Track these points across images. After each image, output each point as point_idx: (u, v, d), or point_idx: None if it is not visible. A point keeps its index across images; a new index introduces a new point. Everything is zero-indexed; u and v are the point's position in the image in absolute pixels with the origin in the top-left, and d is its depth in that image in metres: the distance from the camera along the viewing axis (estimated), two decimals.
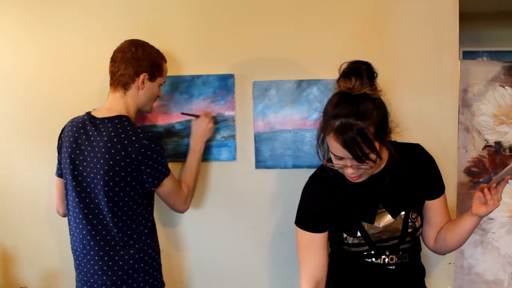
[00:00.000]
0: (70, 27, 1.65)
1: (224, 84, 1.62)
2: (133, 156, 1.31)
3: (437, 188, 1.26)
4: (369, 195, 1.22)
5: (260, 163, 1.64)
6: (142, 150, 1.31)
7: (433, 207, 1.26)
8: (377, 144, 1.09)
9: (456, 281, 1.63)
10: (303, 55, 1.60)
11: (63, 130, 1.46)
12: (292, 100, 1.61)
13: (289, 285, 1.69)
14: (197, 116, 1.58)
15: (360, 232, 1.22)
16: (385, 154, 1.21)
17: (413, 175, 1.23)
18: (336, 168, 1.16)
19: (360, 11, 1.58)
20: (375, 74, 1.13)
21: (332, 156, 1.15)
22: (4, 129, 1.70)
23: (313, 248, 1.26)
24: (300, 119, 1.61)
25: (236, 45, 1.62)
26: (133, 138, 1.31)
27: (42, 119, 1.68)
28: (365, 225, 1.22)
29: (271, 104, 1.61)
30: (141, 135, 1.32)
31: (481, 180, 1.62)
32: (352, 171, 1.12)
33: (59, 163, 1.46)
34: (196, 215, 1.68)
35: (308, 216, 1.27)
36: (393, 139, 1.23)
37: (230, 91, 1.62)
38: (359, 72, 1.11)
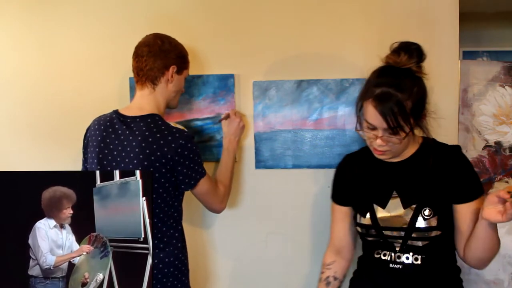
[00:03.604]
0: (72, 27, 1.65)
1: (224, 84, 1.62)
2: (169, 156, 1.27)
3: (466, 192, 1.19)
4: (388, 180, 1.25)
5: (260, 163, 1.64)
6: (179, 150, 1.28)
7: (461, 213, 1.19)
8: (411, 120, 1.13)
9: None
10: (303, 55, 1.60)
11: (88, 129, 1.41)
12: (292, 100, 1.61)
13: (288, 285, 1.69)
14: (227, 117, 1.57)
15: (369, 213, 1.24)
16: (415, 145, 1.23)
17: (441, 174, 1.20)
18: (365, 138, 1.21)
19: (361, 11, 1.58)
20: (423, 56, 1.17)
21: (365, 125, 1.18)
22: (6, 130, 1.70)
23: (335, 218, 1.37)
24: (300, 119, 1.61)
25: (236, 45, 1.62)
26: (169, 138, 1.28)
27: (44, 120, 1.68)
28: (377, 208, 1.24)
29: (271, 104, 1.61)
30: (177, 135, 1.29)
31: (481, 180, 1.61)
32: (380, 143, 1.16)
33: (84, 164, 1.43)
34: (195, 215, 1.68)
35: (333, 187, 1.38)
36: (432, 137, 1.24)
37: (230, 91, 1.62)
38: (409, 49, 1.16)
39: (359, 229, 1.28)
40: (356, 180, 1.31)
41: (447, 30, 1.56)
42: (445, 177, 1.20)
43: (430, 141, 1.24)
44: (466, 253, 1.19)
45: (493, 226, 1.09)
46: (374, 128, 1.16)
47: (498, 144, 1.62)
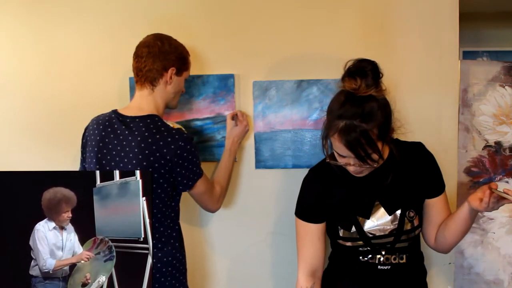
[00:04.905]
0: (72, 27, 1.65)
1: (224, 84, 1.62)
2: (168, 157, 1.28)
3: (437, 187, 1.26)
4: (367, 191, 1.24)
5: (260, 163, 1.64)
6: (178, 151, 1.29)
7: (434, 206, 1.26)
8: (379, 144, 1.11)
9: (456, 281, 1.63)
10: (303, 55, 1.60)
11: (86, 128, 1.42)
12: (292, 100, 1.61)
13: (289, 286, 1.68)
14: (235, 116, 1.58)
15: (355, 227, 1.23)
16: (386, 151, 1.22)
17: (412, 173, 1.23)
18: (339, 165, 1.19)
19: (361, 11, 1.58)
20: (381, 75, 1.13)
21: (335, 153, 1.17)
22: (6, 130, 1.70)
23: (309, 238, 1.30)
24: (300, 119, 1.61)
25: (236, 45, 1.62)
26: (169, 139, 1.29)
27: (44, 120, 1.68)
28: (361, 220, 1.23)
29: (271, 104, 1.61)
30: (177, 136, 1.30)
31: (481, 180, 1.62)
32: (354, 169, 1.16)
33: (83, 163, 1.43)
34: (194, 215, 1.68)
35: (304, 207, 1.31)
36: (395, 137, 1.24)
37: (230, 91, 1.62)
38: (365, 72, 1.11)
39: (342, 242, 1.26)
40: (331, 194, 1.26)
41: (447, 30, 1.56)
42: (417, 175, 1.23)
43: (394, 142, 1.24)
44: (438, 240, 1.26)
45: (474, 211, 1.14)
46: (344, 157, 1.14)
47: (498, 144, 1.62)
